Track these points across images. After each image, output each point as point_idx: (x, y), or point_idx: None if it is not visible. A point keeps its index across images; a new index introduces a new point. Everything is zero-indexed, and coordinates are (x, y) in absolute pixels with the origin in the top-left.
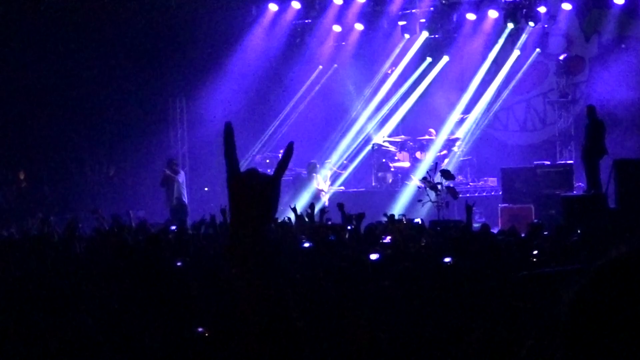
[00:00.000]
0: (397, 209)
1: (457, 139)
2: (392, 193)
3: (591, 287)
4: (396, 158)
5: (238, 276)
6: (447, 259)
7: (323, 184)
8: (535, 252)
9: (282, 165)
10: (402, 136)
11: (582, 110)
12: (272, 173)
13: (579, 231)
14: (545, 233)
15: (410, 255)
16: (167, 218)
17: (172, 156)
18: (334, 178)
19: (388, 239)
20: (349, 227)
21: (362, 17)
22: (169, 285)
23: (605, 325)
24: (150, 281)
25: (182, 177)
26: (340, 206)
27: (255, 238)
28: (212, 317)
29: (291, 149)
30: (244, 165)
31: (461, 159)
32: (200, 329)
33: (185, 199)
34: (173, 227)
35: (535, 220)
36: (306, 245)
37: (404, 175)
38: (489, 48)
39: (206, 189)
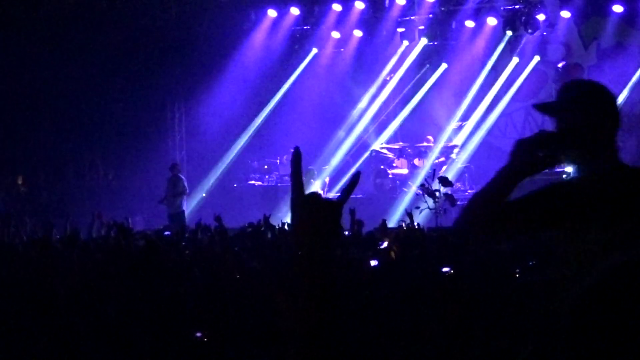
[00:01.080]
0: (395, 216)
1: (455, 146)
2: (390, 200)
3: (592, 294)
4: (394, 165)
5: (299, 294)
6: (445, 269)
7: (320, 192)
8: (532, 262)
9: (348, 192)
10: (401, 143)
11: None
12: (336, 198)
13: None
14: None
15: (407, 262)
16: (165, 224)
17: (170, 161)
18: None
19: (385, 244)
20: (346, 233)
21: (361, 23)
22: (167, 290)
23: (607, 331)
24: (149, 287)
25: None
26: (352, 212)
27: (315, 259)
28: (210, 322)
29: (357, 178)
30: (242, 171)
31: (459, 166)
32: (198, 334)
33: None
34: (167, 233)
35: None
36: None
37: (402, 182)
38: (487, 55)
39: (204, 194)
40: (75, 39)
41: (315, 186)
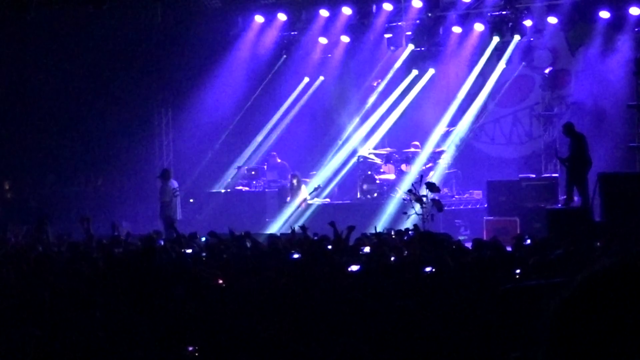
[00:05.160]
0: (382, 221)
1: (442, 152)
2: (377, 205)
3: (573, 300)
4: (381, 170)
5: None
6: (427, 269)
7: (307, 197)
8: (518, 270)
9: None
10: (388, 148)
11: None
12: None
13: (563, 244)
14: (528, 242)
15: (390, 267)
16: (154, 229)
17: (157, 166)
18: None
19: (367, 249)
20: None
21: (348, 29)
22: (161, 299)
23: (587, 338)
24: (141, 293)
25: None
26: (332, 224)
27: None
28: (203, 334)
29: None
30: (230, 176)
31: (447, 171)
32: (190, 348)
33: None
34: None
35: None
36: (295, 256)
37: (389, 188)
38: (474, 61)
39: (191, 200)
40: (62, 45)
41: (303, 191)
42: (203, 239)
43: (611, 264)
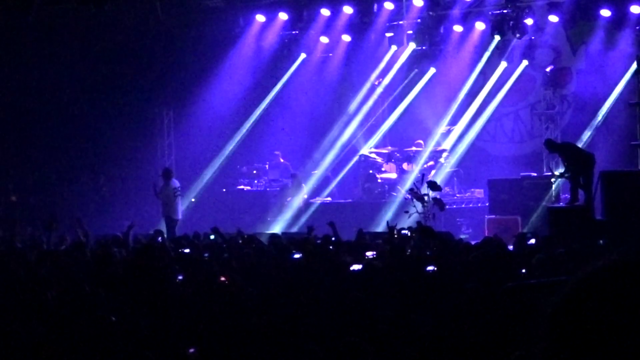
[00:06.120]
0: (384, 220)
1: (444, 150)
2: (378, 204)
3: (572, 298)
4: (383, 169)
5: None
6: (430, 267)
7: (304, 195)
8: (523, 270)
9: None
10: (389, 147)
11: (570, 122)
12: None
13: (565, 243)
14: (530, 240)
15: (393, 265)
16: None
17: (159, 166)
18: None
19: (370, 254)
20: (332, 239)
21: (350, 28)
22: (163, 299)
23: (585, 336)
24: (144, 294)
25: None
26: (332, 224)
27: None
28: (204, 334)
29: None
30: (231, 176)
31: (448, 170)
32: (191, 350)
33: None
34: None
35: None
36: (296, 256)
37: (390, 187)
38: (476, 60)
39: (193, 199)
40: (63, 45)
41: (303, 191)
42: (212, 236)
43: (610, 262)
